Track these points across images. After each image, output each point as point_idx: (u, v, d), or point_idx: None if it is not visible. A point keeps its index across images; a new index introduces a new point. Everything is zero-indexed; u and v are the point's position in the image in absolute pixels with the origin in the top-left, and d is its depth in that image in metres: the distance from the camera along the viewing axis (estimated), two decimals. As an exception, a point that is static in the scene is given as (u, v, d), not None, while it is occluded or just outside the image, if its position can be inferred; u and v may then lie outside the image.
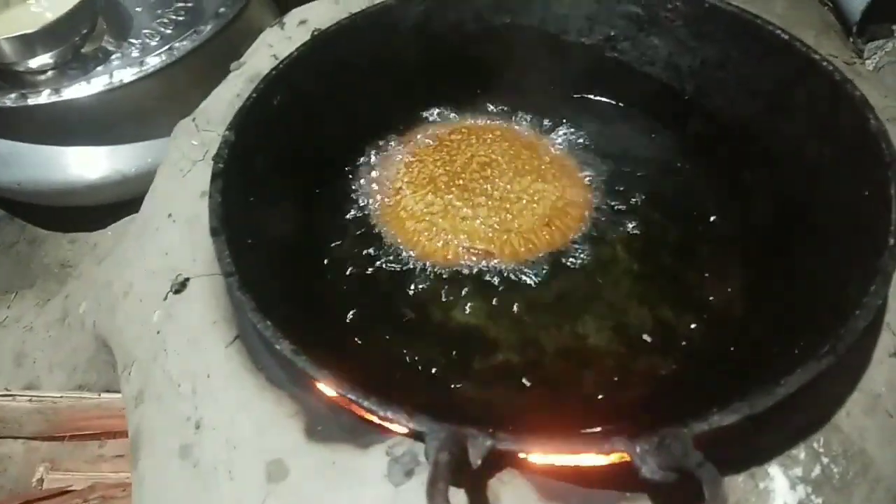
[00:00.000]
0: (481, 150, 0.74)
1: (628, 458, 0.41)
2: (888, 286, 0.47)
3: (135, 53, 0.96)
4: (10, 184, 0.96)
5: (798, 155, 0.63)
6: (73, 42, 0.94)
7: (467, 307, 0.64)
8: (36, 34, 0.89)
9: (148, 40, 0.98)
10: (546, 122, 0.80)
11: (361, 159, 0.77)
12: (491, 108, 0.82)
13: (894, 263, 0.48)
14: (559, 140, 0.78)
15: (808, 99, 0.63)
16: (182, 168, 0.69)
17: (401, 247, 0.69)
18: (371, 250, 0.69)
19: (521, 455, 0.46)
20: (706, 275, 0.64)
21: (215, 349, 0.57)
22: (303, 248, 0.66)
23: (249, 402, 0.53)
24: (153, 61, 0.88)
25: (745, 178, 0.69)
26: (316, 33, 0.75)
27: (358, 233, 0.70)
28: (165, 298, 0.62)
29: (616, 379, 0.59)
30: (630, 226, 0.69)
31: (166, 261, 0.64)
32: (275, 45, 0.78)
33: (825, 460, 0.51)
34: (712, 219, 0.68)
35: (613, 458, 0.44)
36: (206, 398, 0.55)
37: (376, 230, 0.71)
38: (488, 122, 0.80)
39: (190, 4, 1.01)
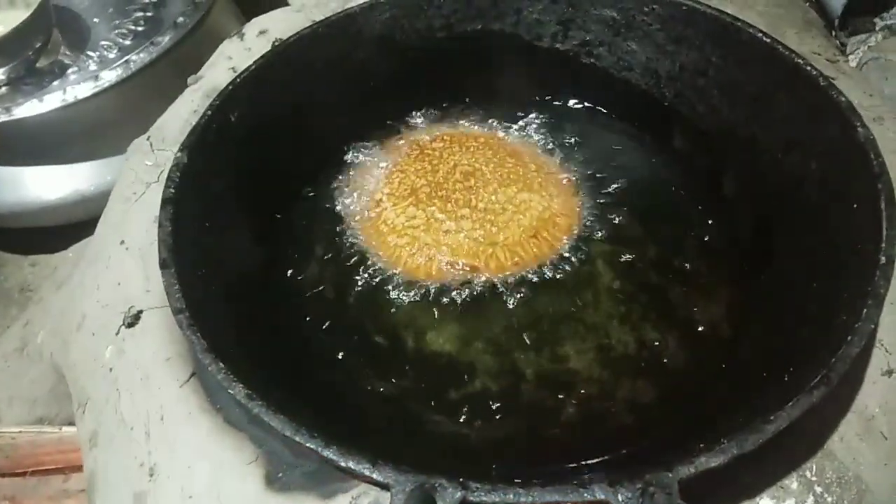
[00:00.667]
0: (464, 158, 0.71)
1: (609, 508, 0.38)
2: (880, 309, 0.44)
3: (92, 67, 0.92)
4: (-35, 207, 0.91)
5: (783, 165, 0.61)
6: (27, 57, 0.89)
7: (442, 331, 0.61)
8: (-15, 49, 0.85)
9: (106, 52, 0.93)
10: (523, 129, 0.77)
11: (333, 174, 0.74)
12: (466, 115, 0.79)
13: (886, 284, 0.45)
14: (538, 150, 0.75)
15: (792, 106, 0.60)
16: (135, 191, 0.65)
17: (379, 264, 0.66)
18: (341, 273, 0.65)
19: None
20: (691, 293, 0.61)
21: (169, 388, 0.53)
22: (265, 276, 0.63)
23: (206, 447, 0.50)
24: (109, 76, 0.84)
25: (729, 188, 0.66)
26: (276, 44, 0.71)
27: (327, 256, 0.67)
28: (118, 333, 0.58)
29: (598, 407, 0.55)
30: (611, 240, 0.66)
31: (119, 292, 0.61)
32: (234, 58, 0.74)
33: (818, 490, 0.49)
34: (695, 232, 0.65)
35: (593, 506, 0.41)
36: (159, 443, 0.51)
37: (349, 249, 0.67)
38: (471, 129, 0.77)
39: (149, 14, 0.97)
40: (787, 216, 0.59)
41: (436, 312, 0.62)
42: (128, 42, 0.94)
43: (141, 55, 0.86)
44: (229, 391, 0.43)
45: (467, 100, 0.78)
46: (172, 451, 0.51)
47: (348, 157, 0.75)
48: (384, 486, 0.42)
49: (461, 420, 0.55)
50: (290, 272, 0.65)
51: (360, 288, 0.64)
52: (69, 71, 0.92)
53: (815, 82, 0.58)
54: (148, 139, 0.70)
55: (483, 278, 0.64)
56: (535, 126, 0.77)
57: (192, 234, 0.55)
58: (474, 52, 0.76)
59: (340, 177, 0.74)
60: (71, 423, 0.80)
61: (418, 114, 0.79)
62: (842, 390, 0.52)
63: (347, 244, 0.68)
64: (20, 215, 0.91)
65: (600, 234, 0.66)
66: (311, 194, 0.72)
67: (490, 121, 0.78)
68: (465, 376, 0.58)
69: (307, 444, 0.41)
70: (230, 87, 0.63)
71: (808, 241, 0.56)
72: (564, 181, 0.71)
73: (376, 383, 0.57)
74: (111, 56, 0.92)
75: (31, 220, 0.93)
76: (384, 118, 0.78)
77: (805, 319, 0.52)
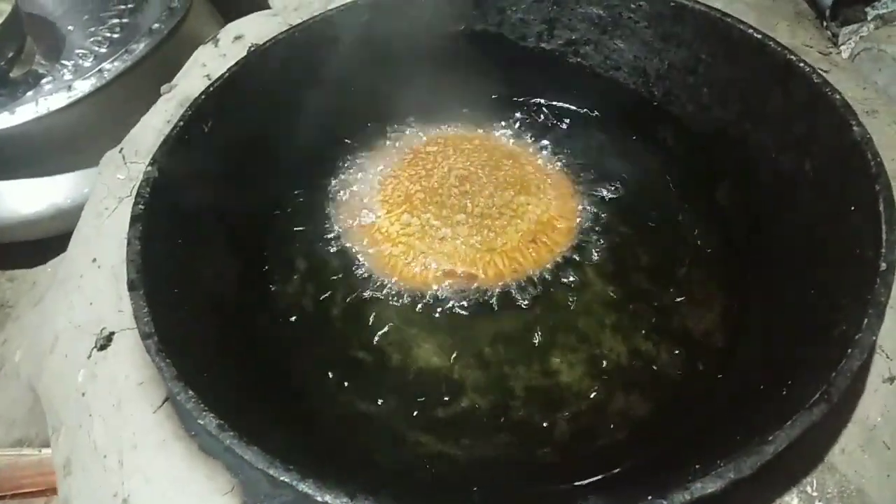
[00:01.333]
0: (459, 162, 0.69)
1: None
2: (882, 319, 0.42)
3: (67, 76, 0.89)
4: (-61, 222, 0.89)
5: (777, 165, 0.59)
6: (-1, 67, 0.87)
7: (429, 345, 0.59)
8: (-47, 60, 0.82)
9: (81, 61, 0.91)
10: (511, 132, 0.75)
11: (316, 183, 0.71)
12: (452, 118, 0.76)
13: (888, 292, 0.43)
14: (532, 151, 0.73)
15: (785, 104, 0.58)
16: (107, 206, 0.63)
17: (366, 275, 0.63)
18: (323, 287, 0.63)
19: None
20: (685, 301, 0.59)
21: (142, 414, 0.51)
22: (243, 293, 0.60)
23: (180, 477, 0.47)
24: (82, 86, 0.82)
25: (723, 190, 0.64)
26: (252, 50, 0.68)
27: (309, 269, 0.65)
28: (90, 356, 0.56)
29: (590, 422, 0.54)
30: (602, 246, 0.64)
31: (91, 312, 0.58)
32: (208, 65, 0.72)
33: (820, 505, 0.47)
34: (689, 237, 0.64)
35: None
36: (133, 472, 0.49)
37: (333, 261, 0.65)
38: (462, 131, 0.75)
39: (125, 20, 0.94)
40: (782, 219, 0.57)
41: (423, 325, 0.60)
42: (103, 50, 0.91)
43: (115, 63, 0.83)
44: (199, 421, 0.41)
45: (452, 102, 0.76)
46: (146, 481, 0.48)
47: (332, 164, 0.73)
48: (365, 519, 0.40)
49: (448, 440, 0.53)
50: (270, 288, 0.63)
51: (343, 302, 0.62)
52: (43, 81, 0.89)
53: (808, 79, 0.56)
54: (120, 151, 0.67)
55: (474, 288, 0.62)
56: (522, 128, 0.75)
57: (163, 252, 0.52)
58: (458, 53, 0.74)
59: (324, 185, 0.72)
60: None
61: (402, 118, 0.76)
62: (842, 399, 0.50)
63: (332, 255, 0.66)
64: (-5, 230, 0.89)
65: (591, 241, 0.64)
66: (294, 205, 0.70)
67: (477, 123, 0.76)
68: (453, 393, 0.56)
69: (281, 478, 0.39)
70: (203, 97, 0.61)
71: (804, 246, 0.54)
72: (561, 183, 0.69)
73: (359, 403, 0.55)
74: (86, 65, 0.90)
75: (7, 235, 0.90)
76: (366, 123, 0.76)
77: (803, 328, 0.50)
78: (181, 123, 0.59)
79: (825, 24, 1.17)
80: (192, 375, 0.44)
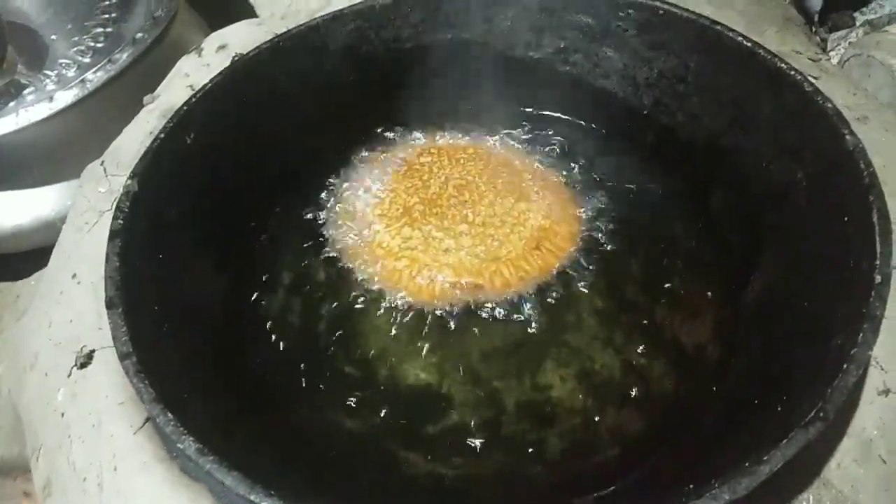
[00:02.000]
0: (455, 171, 0.68)
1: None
2: (877, 333, 0.42)
3: (50, 86, 0.87)
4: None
5: (769, 174, 0.58)
6: (-21, 78, 0.85)
7: (417, 359, 0.58)
8: (-68, 72, 0.81)
9: (64, 71, 0.89)
10: (501, 140, 0.74)
11: (303, 195, 0.70)
12: (441, 127, 0.75)
13: (883, 305, 0.42)
14: (525, 159, 0.72)
15: (776, 112, 0.58)
16: (88, 221, 0.62)
17: (354, 292, 0.62)
18: (310, 303, 0.62)
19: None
20: (678, 313, 0.59)
21: (123, 435, 0.50)
22: (227, 310, 0.59)
23: (161, 500, 0.46)
24: (64, 96, 0.80)
25: (715, 199, 0.63)
26: (236, 59, 0.67)
27: (292, 282, 0.63)
28: (70, 374, 0.55)
29: (582, 438, 0.53)
30: (593, 258, 0.63)
31: (71, 329, 0.57)
32: (191, 75, 0.71)
33: (816, 523, 0.46)
34: (681, 247, 0.63)
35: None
36: (113, 495, 0.48)
37: (320, 276, 0.64)
38: (453, 141, 0.74)
39: (109, 29, 0.93)
40: (775, 230, 0.56)
41: (413, 340, 0.59)
42: (87, 59, 0.89)
43: (98, 73, 0.81)
44: (178, 445, 0.40)
45: (441, 112, 0.75)
46: (126, 505, 0.47)
47: (320, 176, 0.71)
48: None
49: (438, 459, 0.52)
50: (255, 305, 0.62)
51: (330, 318, 0.61)
52: (26, 91, 0.87)
53: (799, 87, 0.56)
54: (102, 164, 0.66)
55: (464, 302, 0.61)
56: (513, 136, 0.74)
57: (143, 268, 0.51)
58: (445, 62, 0.73)
59: (313, 198, 0.70)
60: (33, 463, 0.76)
61: (391, 128, 0.75)
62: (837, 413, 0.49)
63: (320, 271, 0.65)
64: (-23, 243, 0.87)
65: (577, 253, 0.63)
66: (280, 219, 0.68)
67: (467, 132, 0.75)
68: (443, 409, 0.55)
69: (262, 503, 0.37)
70: (185, 108, 0.60)
71: (798, 257, 0.53)
72: (558, 188, 0.68)
73: (347, 421, 0.54)
74: (70, 74, 0.88)
75: (-11, 247, 0.88)
76: (356, 134, 0.74)
77: (798, 341, 0.49)
78: (162, 135, 0.57)
79: (814, 29, 1.17)
80: (171, 397, 0.43)
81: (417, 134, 0.74)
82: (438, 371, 0.57)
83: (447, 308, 0.60)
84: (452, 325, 0.59)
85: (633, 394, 0.54)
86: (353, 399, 0.56)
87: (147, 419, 0.50)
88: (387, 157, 0.72)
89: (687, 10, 0.63)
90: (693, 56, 0.64)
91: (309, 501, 0.37)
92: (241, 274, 0.62)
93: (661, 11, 0.64)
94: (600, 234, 0.65)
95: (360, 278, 0.63)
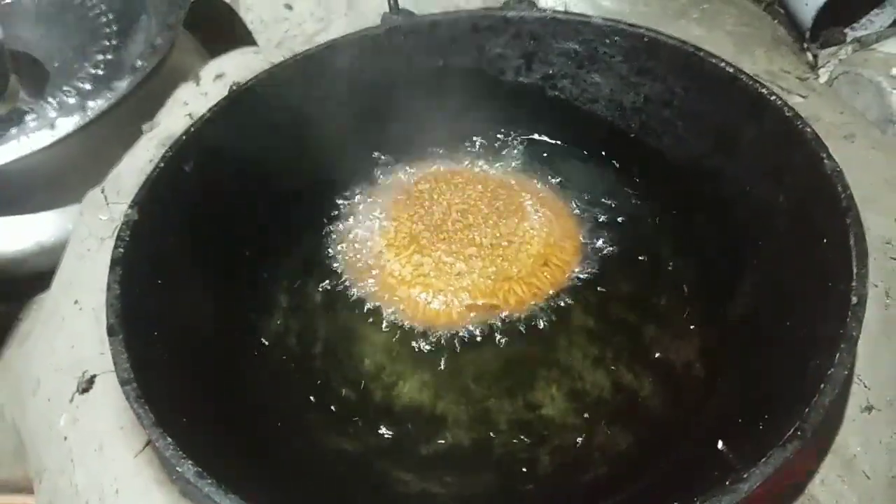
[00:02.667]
0: (456, 196, 0.69)
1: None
2: (853, 354, 0.43)
3: (52, 114, 0.89)
4: (-78, 260, 0.88)
5: (751, 197, 0.59)
6: (-19, 106, 0.87)
7: (410, 381, 0.59)
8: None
9: (66, 98, 0.91)
10: (494, 164, 0.75)
11: (303, 223, 0.70)
12: (434, 154, 0.76)
13: (858, 326, 0.44)
14: (521, 180, 0.73)
15: (757, 136, 0.60)
16: (89, 248, 0.63)
17: (347, 313, 0.63)
18: (310, 330, 0.63)
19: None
20: (664, 333, 0.60)
21: (124, 459, 0.51)
22: (226, 336, 0.59)
23: (161, 523, 0.47)
24: (66, 124, 0.82)
25: (700, 222, 0.65)
26: (233, 88, 0.69)
27: (291, 309, 0.65)
28: (72, 399, 0.56)
29: (572, 457, 0.54)
30: (581, 277, 0.65)
31: (73, 354, 0.58)
32: (190, 103, 0.73)
33: (801, 539, 0.47)
34: (666, 268, 0.64)
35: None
36: (114, 518, 0.49)
37: (320, 304, 0.65)
38: (447, 167, 0.75)
39: (109, 56, 0.94)
40: (757, 252, 0.58)
41: (407, 362, 0.60)
42: (88, 87, 0.91)
43: (98, 101, 0.83)
44: (177, 469, 0.41)
45: (434, 138, 0.76)
46: (127, 528, 0.48)
47: (318, 205, 0.72)
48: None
49: (431, 477, 0.53)
50: (254, 330, 0.62)
51: (327, 343, 0.62)
52: (28, 118, 0.89)
53: (779, 112, 0.58)
54: (102, 191, 0.68)
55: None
56: (504, 159, 0.76)
57: (144, 296, 0.53)
58: (438, 89, 0.74)
59: (311, 226, 0.71)
60: (35, 486, 0.77)
61: (386, 154, 0.76)
62: (821, 430, 0.50)
63: (320, 298, 0.66)
64: (-21, 268, 0.88)
65: (570, 274, 0.65)
66: (279, 246, 0.69)
67: (462, 157, 0.76)
68: (436, 429, 0.56)
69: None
70: (183, 137, 0.61)
71: (779, 278, 0.55)
72: (556, 205, 0.70)
73: (343, 442, 0.55)
74: (71, 102, 0.90)
75: (-8, 272, 0.90)
76: (352, 162, 0.75)
77: (779, 361, 0.50)
78: (161, 164, 0.59)
79: (805, 45, 1.19)
80: (171, 421, 0.44)
81: (412, 161, 0.76)
82: (432, 393, 0.58)
83: (443, 331, 0.61)
84: (445, 347, 0.60)
85: (621, 412, 0.56)
86: (349, 422, 0.57)
87: (147, 443, 0.51)
88: (384, 185, 0.73)
89: (671, 37, 0.65)
90: (678, 82, 0.66)
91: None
92: (240, 300, 0.63)
93: (645, 38, 0.66)
94: (587, 255, 0.66)
95: (369, 306, 0.64)
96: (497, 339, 0.61)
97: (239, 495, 0.40)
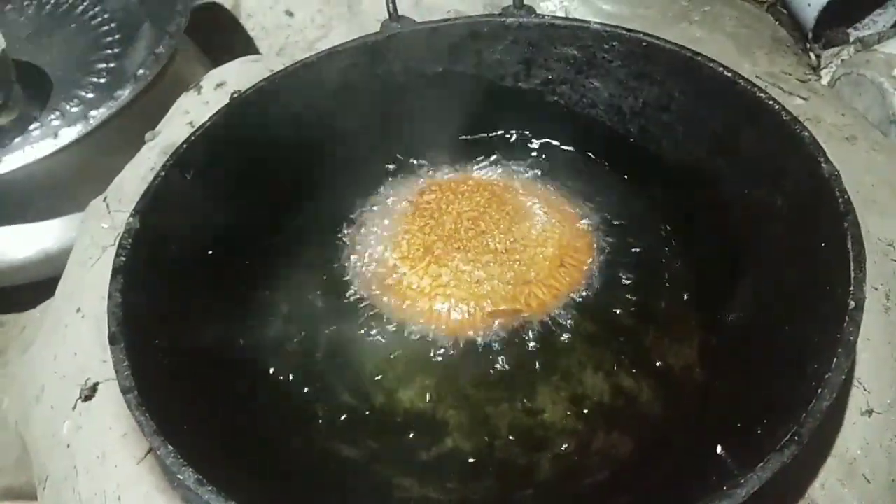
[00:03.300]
0: (465, 205, 0.68)
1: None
2: (851, 358, 0.43)
3: (55, 122, 0.90)
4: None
5: (750, 201, 0.59)
6: (-15, 115, 0.88)
7: (411, 387, 0.59)
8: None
9: (69, 107, 0.92)
10: (495, 169, 0.75)
11: (305, 233, 0.70)
12: (437, 161, 0.76)
13: (856, 330, 0.44)
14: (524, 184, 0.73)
15: (755, 140, 0.60)
16: (91, 256, 0.64)
17: (350, 325, 0.63)
18: (313, 338, 0.63)
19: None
20: (664, 337, 0.60)
21: (126, 466, 0.51)
22: (229, 344, 0.59)
23: (163, 530, 0.48)
24: (69, 133, 0.83)
25: (700, 225, 0.65)
26: (234, 97, 0.69)
27: (294, 317, 0.65)
28: (74, 407, 0.56)
29: (573, 462, 0.54)
30: (581, 281, 0.65)
31: (76, 362, 0.59)
32: (191, 112, 0.73)
33: (801, 545, 0.47)
34: (666, 272, 0.64)
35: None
36: (116, 525, 0.49)
37: (323, 312, 0.65)
38: (455, 173, 0.75)
39: (111, 65, 0.95)
40: (756, 256, 0.58)
41: (408, 368, 0.60)
42: (90, 95, 0.92)
43: (101, 110, 0.84)
44: (178, 476, 0.42)
45: (435, 145, 0.76)
46: (129, 535, 0.49)
47: (319, 213, 0.72)
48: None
49: (432, 483, 0.53)
50: (255, 338, 0.62)
51: (329, 348, 0.62)
52: (31, 128, 0.90)
53: (777, 116, 0.58)
54: (104, 200, 0.68)
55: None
56: (506, 164, 0.76)
57: (145, 304, 0.53)
58: (437, 94, 0.75)
59: (312, 235, 0.71)
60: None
61: (388, 162, 0.76)
62: (820, 434, 0.50)
63: (323, 306, 0.65)
64: (-16, 276, 0.89)
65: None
66: (280, 254, 0.69)
67: (465, 163, 0.76)
68: (437, 435, 0.56)
69: (260, 534, 0.39)
70: (184, 146, 0.62)
71: (779, 282, 0.55)
72: (562, 207, 0.70)
73: (344, 448, 0.55)
74: (75, 111, 0.91)
75: (-4, 280, 0.91)
76: (354, 169, 0.75)
77: (778, 365, 0.50)
78: (163, 173, 0.59)
79: (808, 46, 1.19)
80: (171, 428, 0.45)
81: (415, 168, 0.76)
82: (433, 398, 0.58)
83: (442, 338, 0.62)
84: (445, 354, 0.60)
85: (621, 417, 0.56)
86: (350, 428, 0.57)
87: (149, 451, 0.52)
88: (388, 194, 0.73)
89: (669, 41, 0.65)
90: (676, 86, 0.66)
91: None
92: (242, 308, 0.63)
93: (644, 43, 0.66)
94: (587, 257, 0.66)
95: (373, 313, 0.64)
96: (495, 345, 0.61)
97: (240, 502, 0.40)
